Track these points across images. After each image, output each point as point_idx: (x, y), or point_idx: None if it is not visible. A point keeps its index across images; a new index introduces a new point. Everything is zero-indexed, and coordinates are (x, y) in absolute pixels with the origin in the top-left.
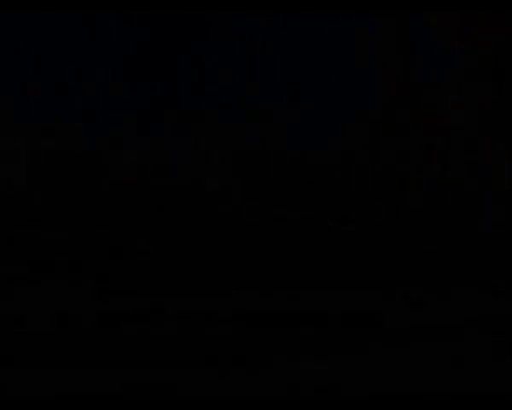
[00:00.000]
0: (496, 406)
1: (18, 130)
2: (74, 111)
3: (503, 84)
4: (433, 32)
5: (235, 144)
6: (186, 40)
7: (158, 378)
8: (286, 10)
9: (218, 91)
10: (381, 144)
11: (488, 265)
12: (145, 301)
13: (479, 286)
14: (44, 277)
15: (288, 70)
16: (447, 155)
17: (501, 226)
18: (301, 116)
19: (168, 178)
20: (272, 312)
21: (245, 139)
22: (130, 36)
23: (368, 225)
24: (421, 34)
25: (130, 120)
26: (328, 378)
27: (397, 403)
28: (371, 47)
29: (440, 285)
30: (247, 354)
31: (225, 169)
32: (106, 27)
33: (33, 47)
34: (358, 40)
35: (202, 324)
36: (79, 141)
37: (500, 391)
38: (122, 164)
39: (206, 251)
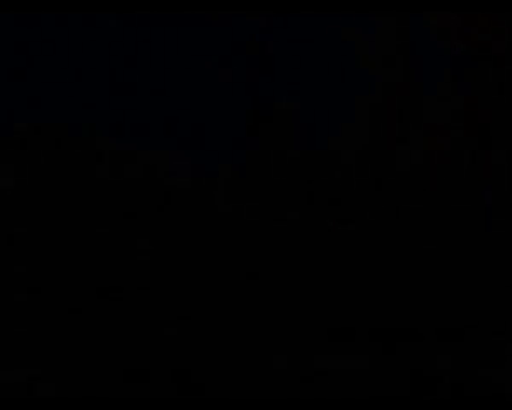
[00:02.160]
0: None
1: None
2: (74, 110)
3: (503, 83)
4: (433, 32)
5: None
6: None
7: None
8: (286, 10)
9: (217, 92)
10: (380, 144)
11: (488, 264)
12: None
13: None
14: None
15: (289, 69)
16: (447, 155)
17: (501, 226)
18: (302, 116)
19: (168, 178)
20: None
21: (244, 138)
22: (130, 36)
23: (368, 225)
24: (421, 34)
25: (130, 119)
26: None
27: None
28: (371, 47)
29: (440, 285)
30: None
31: (225, 169)
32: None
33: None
34: (358, 40)
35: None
36: (79, 139)
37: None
38: (122, 164)
39: (206, 250)
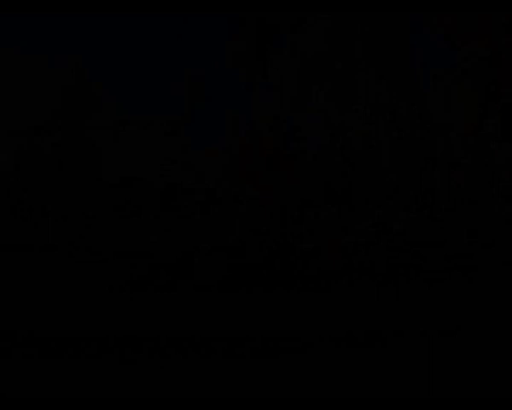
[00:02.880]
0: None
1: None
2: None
3: (502, 83)
4: (433, 32)
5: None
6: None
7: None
8: (289, 9)
9: (219, 92)
10: (382, 145)
11: (489, 262)
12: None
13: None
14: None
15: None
16: (448, 154)
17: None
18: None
19: (166, 177)
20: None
21: (244, 137)
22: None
23: (368, 226)
24: (421, 34)
25: (132, 117)
26: None
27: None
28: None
29: (440, 281)
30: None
31: (224, 168)
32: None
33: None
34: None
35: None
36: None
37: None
38: (122, 162)
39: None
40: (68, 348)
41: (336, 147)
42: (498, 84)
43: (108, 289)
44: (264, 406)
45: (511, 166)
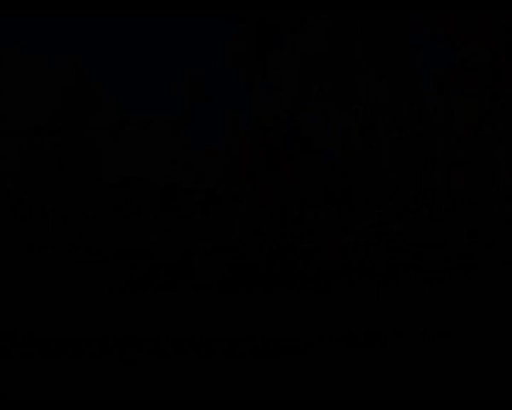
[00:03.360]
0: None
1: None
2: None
3: (502, 83)
4: (433, 32)
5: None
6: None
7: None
8: (289, 9)
9: (220, 91)
10: (382, 145)
11: (488, 261)
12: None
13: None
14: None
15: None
16: (448, 155)
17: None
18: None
19: (165, 176)
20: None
21: (245, 137)
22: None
23: (370, 229)
24: (421, 34)
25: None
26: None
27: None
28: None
29: (441, 284)
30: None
31: (225, 167)
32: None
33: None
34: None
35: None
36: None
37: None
38: (122, 161)
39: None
40: (68, 348)
41: (336, 147)
42: (498, 83)
43: (108, 289)
44: (264, 406)
45: (511, 166)
